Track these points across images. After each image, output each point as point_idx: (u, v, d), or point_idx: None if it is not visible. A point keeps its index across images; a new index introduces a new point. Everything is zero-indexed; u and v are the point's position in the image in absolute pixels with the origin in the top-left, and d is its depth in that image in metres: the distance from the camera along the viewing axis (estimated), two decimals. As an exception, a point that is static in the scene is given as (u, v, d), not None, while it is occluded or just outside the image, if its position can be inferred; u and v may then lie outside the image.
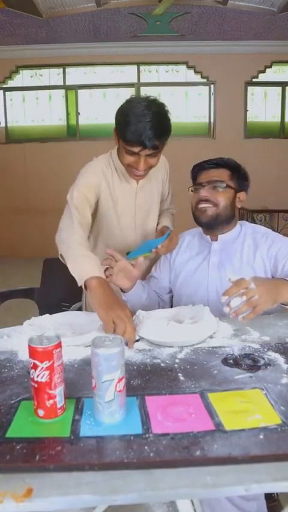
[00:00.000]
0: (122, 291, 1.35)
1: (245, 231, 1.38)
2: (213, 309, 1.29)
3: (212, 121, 6.38)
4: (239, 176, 1.36)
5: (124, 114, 1.26)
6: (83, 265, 1.10)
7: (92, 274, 1.07)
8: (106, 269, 1.22)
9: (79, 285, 1.10)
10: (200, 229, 1.44)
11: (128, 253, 1.42)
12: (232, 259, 1.34)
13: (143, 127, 1.21)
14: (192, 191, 1.37)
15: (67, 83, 6.26)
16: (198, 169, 1.38)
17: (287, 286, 1.07)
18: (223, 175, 1.33)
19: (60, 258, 1.22)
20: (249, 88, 6.31)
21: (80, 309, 1.76)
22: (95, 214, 1.47)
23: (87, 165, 1.46)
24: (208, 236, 1.40)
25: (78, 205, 1.32)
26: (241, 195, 1.37)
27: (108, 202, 1.46)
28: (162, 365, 0.91)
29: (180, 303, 1.38)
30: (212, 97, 6.31)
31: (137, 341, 1.04)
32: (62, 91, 6.33)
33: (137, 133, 1.22)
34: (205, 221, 1.34)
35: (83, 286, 1.09)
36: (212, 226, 1.35)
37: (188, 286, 1.40)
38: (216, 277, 1.35)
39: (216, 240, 1.38)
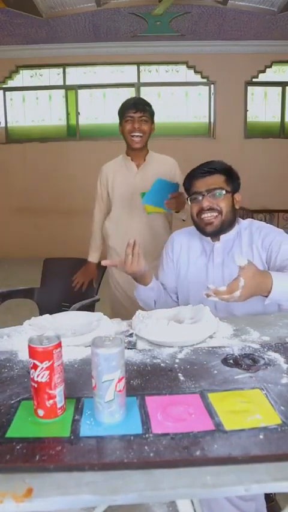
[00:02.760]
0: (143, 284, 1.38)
1: (241, 228, 1.39)
2: (222, 311, 1.30)
3: (212, 121, 6.37)
4: (233, 178, 1.36)
5: (121, 104, 1.97)
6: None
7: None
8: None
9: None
10: (193, 228, 1.42)
11: (142, 195, 1.85)
12: (235, 256, 1.32)
13: (132, 99, 1.99)
14: (191, 200, 1.35)
15: (67, 83, 6.26)
16: (193, 177, 1.36)
17: (268, 282, 1.09)
18: (219, 181, 1.33)
19: None
20: (249, 87, 6.30)
21: (80, 309, 1.76)
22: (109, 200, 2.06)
23: None
24: (209, 237, 1.40)
25: (99, 194, 2.09)
26: (237, 196, 1.38)
27: (113, 186, 2.01)
28: (162, 365, 0.91)
29: (187, 303, 1.38)
30: (212, 97, 6.31)
31: (131, 337, 1.04)
32: (62, 91, 6.33)
33: (129, 102, 1.95)
34: (211, 231, 1.34)
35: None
36: (218, 233, 1.35)
37: (193, 287, 1.40)
38: (220, 276, 1.35)
39: (218, 240, 1.38)
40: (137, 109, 1.89)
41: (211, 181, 1.32)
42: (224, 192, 1.31)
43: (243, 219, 1.45)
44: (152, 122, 1.95)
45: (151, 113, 1.94)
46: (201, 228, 1.35)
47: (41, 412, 0.70)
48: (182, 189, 1.82)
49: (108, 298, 2.09)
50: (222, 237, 1.37)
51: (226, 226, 1.35)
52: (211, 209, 1.31)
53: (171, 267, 1.47)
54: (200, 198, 1.32)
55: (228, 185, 1.34)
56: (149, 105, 1.94)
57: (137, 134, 1.90)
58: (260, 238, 1.33)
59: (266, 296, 1.12)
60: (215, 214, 1.31)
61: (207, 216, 1.31)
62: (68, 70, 6.22)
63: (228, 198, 1.33)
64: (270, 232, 1.34)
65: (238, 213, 1.41)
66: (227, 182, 1.34)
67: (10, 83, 6.26)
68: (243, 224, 1.41)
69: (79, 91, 6.26)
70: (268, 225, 1.40)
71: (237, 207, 1.38)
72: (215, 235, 1.36)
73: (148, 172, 1.97)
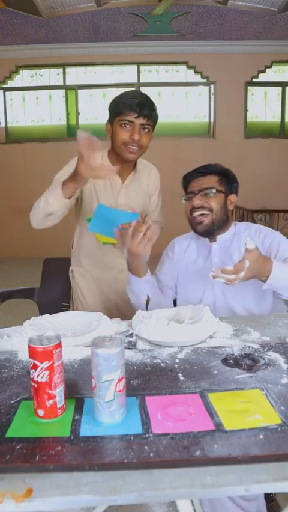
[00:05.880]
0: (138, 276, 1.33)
1: (239, 230, 1.43)
2: (221, 309, 1.31)
3: (212, 121, 6.38)
4: (228, 180, 1.40)
5: (118, 97, 1.46)
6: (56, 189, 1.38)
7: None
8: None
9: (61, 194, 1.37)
10: (192, 232, 1.46)
11: (88, 220, 1.52)
12: (233, 257, 1.37)
13: (136, 97, 1.43)
14: (185, 200, 1.41)
15: (67, 83, 6.27)
16: (188, 179, 1.43)
17: (268, 266, 1.17)
18: (212, 181, 1.38)
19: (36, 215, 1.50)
20: (249, 87, 6.31)
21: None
22: (80, 205, 1.60)
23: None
24: (206, 238, 1.43)
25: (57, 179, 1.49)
26: (232, 197, 1.41)
27: (92, 195, 1.56)
28: (162, 365, 0.91)
29: (187, 304, 1.38)
30: (212, 96, 6.31)
31: (131, 337, 1.04)
32: (62, 91, 6.33)
33: (132, 101, 1.40)
34: (203, 230, 1.38)
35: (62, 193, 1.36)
36: (211, 232, 1.39)
37: (194, 288, 1.42)
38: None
39: (215, 241, 1.41)
40: (140, 113, 1.39)
41: (204, 182, 1.38)
42: (214, 190, 1.35)
43: (243, 219, 1.46)
44: (153, 130, 1.49)
45: (155, 120, 1.46)
46: (195, 227, 1.40)
47: (41, 412, 0.70)
48: (156, 217, 1.65)
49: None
50: (219, 237, 1.40)
51: (218, 225, 1.37)
52: (201, 207, 1.36)
53: (171, 265, 1.49)
54: (193, 197, 1.38)
55: (221, 185, 1.38)
56: (155, 109, 1.45)
57: (134, 147, 1.43)
58: (259, 239, 1.37)
59: (264, 281, 1.18)
60: (206, 212, 1.36)
61: (197, 214, 1.36)
62: (68, 70, 6.23)
63: (219, 197, 1.36)
64: (269, 234, 1.39)
65: (233, 214, 1.43)
66: (220, 183, 1.38)
67: (10, 83, 6.26)
68: (241, 226, 1.44)
69: (79, 91, 6.27)
70: (266, 227, 1.45)
71: (231, 207, 1.41)
72: (208, 234, 1.39)
73: (134, 188, 1.59)
